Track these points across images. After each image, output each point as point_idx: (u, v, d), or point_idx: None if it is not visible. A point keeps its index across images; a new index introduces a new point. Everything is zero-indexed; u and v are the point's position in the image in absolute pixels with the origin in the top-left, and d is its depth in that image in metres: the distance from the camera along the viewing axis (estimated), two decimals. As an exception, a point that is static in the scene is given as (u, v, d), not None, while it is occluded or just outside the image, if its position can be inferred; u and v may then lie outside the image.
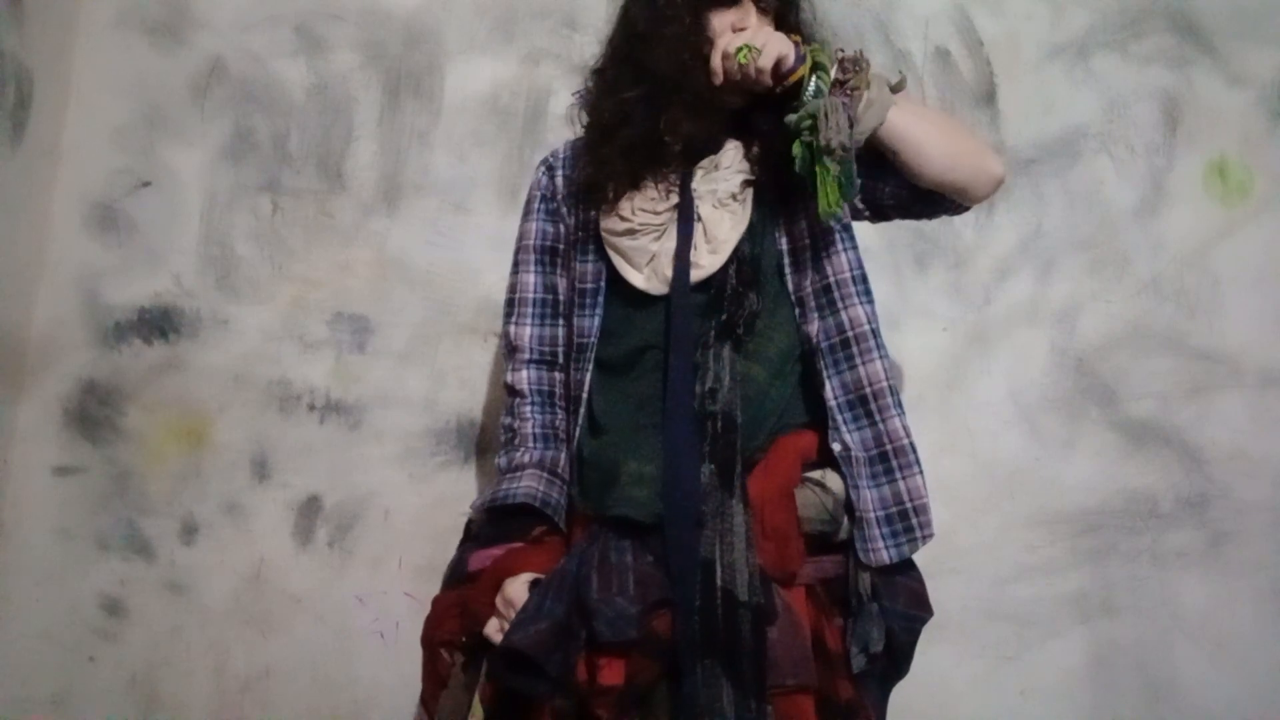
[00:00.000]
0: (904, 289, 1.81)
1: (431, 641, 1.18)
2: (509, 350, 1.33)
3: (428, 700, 1.18)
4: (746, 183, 1.25)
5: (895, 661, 1.19)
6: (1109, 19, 1.85)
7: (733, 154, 1.26)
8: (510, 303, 1.35)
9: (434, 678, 1.17)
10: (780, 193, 1.24)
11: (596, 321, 1.27)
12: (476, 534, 1.25)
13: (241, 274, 1.78)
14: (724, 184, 1.24)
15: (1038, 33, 1.84)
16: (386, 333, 1.77)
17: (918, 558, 1.20)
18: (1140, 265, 1.81)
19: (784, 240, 1.26)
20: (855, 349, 1.21)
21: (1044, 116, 1.83)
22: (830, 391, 1.21)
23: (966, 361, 1.78)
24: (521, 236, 1.36)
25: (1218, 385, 1.78)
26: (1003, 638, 1.72)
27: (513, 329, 1.33)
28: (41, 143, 1.73)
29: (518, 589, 1.11)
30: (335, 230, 1.79)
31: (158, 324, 1.76)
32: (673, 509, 1.11)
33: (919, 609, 1.20)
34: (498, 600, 1.11)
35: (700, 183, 1.25)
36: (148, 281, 1.77)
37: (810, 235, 1.24)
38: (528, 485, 1.21)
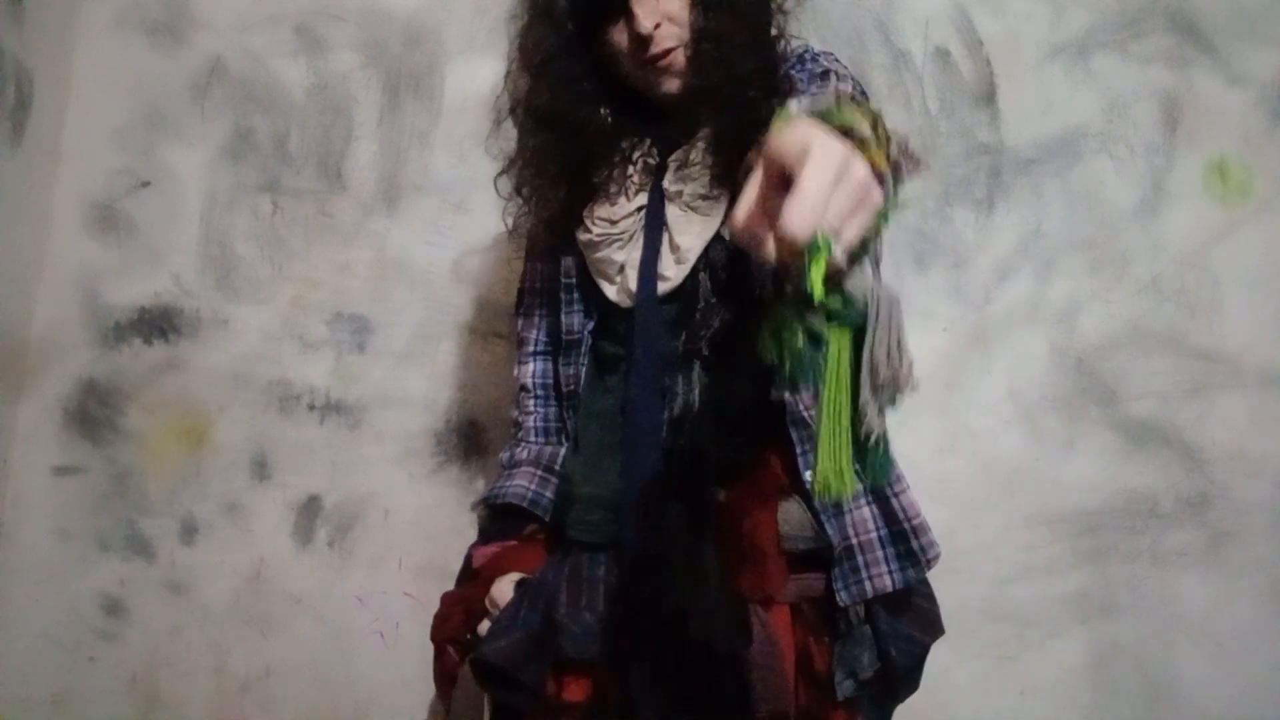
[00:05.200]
0: (904, 289, 1.80)
1: (437, 638, 1.18)
2: (518, 342, 1.31)
3: (443, 697, 1.18)
4: (720, 179, 1.08)
5: (891, 685, 1.08)
6: (1109, 19, 1.85)
7: (703, 146, 1.09)
8: (520, 292, 1.31)
9: (443, 675, 1.17)
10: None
11: (576, 320, 1.20)
12: (482, 529, 1.25)
13: (241, 274, 1.78)
14: (692, 183, 1.09)
15: (1038, 33, 1.84)
16: (386, 333, 1.77)
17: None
18: (1140, 265, 1.80)
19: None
20: None
21: (1044, 116, 1.83)
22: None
23: (966, 361, 1.78)
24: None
25: (1218, 385, 1.78)
26: (1003, 638, 1.72)
27: (520, 320, 1.30)
28: (41, 143, 1.73)
29: (503, 589, 1.10)
30: (335, 230, 1.79)
31: (158, 324, 1.76)
32: (628, 549, 1.04)
33: (925, 632, 1.09)
34: (486, 600, 1.11)
35: (671, 181, 1.11)
36: (148, 281, 1.77)
37: None
38: (518, 484, 1.19)
